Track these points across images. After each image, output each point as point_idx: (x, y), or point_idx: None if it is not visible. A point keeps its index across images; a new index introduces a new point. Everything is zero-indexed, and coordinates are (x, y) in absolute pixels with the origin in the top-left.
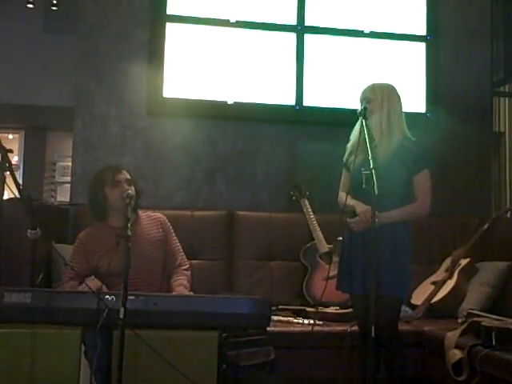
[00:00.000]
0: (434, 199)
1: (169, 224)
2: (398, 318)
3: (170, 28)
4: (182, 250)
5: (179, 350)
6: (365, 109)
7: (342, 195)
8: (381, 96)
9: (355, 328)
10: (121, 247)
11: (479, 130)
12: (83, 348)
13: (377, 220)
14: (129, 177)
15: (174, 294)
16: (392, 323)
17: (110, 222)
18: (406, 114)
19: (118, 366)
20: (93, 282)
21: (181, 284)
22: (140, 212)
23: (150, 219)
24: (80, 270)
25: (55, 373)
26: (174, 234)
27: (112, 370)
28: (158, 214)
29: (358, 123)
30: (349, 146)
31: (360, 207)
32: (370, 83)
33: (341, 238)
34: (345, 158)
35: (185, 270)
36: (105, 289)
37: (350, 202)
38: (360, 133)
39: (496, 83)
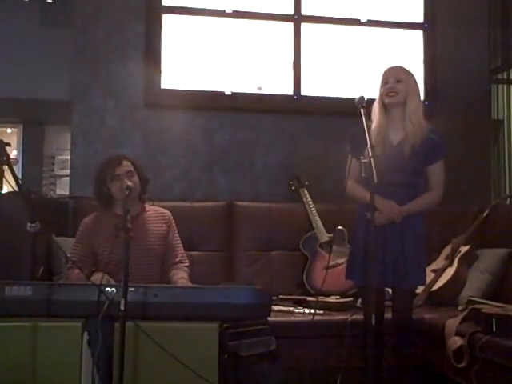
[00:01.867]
0: None
1: (173, 221)
2: (411, 305)
3: (167, 19)
4: (182, 248)
5: (180, 340)
6: (362, 98)
7: (355, 187)
8: (414, 81)
9: (356, 317)
10: (121, 238)
11: (477, 118)
12: (87, 337)
13: (400, 213)
14: (130, 168)
15: (174, 285)
16: (406, 311)
17: (116, 210)
18: None
19: (120, 357)
20: (96, 276)
21: (183, 277)
22: (147, 205)
23: (156, 213)
24: (82, 256)
25: (57, 365)
26: (176, 232)
27: (114, 361)
28: (165, 210)
29: (377, 111)
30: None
31: (380, 202)
32: (397, 64)
33: (340, 227)
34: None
35: (185, 266)
36: (109, 279)
37: (360, 193)
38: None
39: (494, 70)
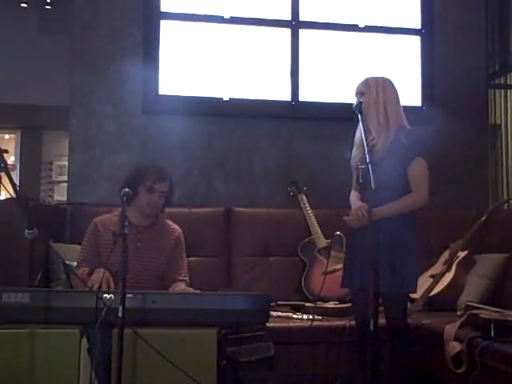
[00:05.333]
0: (431, 191)
1: (182, 239)
2: (404, 311)
3: (165, 25)
4: (186, 268)
5: (178, 347)
6: (360, 103)
7: (351, 194)
8: (375, 89)
9: (354, 323)
10: (119, 245)
11: (475, 123)
12: (85, 344)
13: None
14: (166, 189)
15: (172, 291)
16: (398, 318)
17: (128, 214)
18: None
19: (118, 364)
20: (99, 274)
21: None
22: (161, 217)
23: (166, 228)
24: (89, 254)
25: (55, 372)
26: (184, 250)
27: (112, 367)
28: (176, 227)
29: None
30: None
31: (354, 205)
32: (364, 77)
33: (339, 233)
34: (352, 156)
35: (187, 285)
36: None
37: (352, 199)
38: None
39: (492, 75)
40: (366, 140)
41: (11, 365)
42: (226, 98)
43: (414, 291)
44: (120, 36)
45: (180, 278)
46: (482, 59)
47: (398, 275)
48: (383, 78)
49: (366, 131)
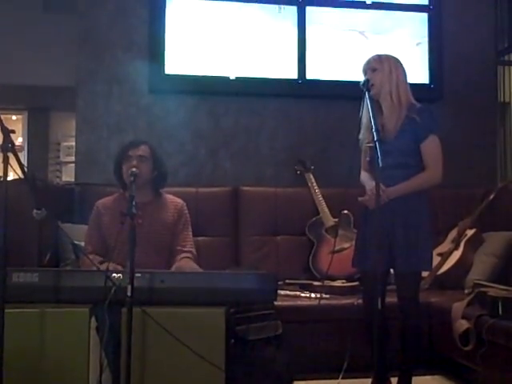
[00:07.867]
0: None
1: (186, 211)
2: (417, 290)
3: (170, 3)
4: (192, 241)
5: (187, 325)
6: (367, 80)
7: (362, 175)
8: (388, 66)
9: (362, 301)
10: (126, 224)
11: (484, 100)
12: (95, 324)
13: (385, 195)
14: (145, 153)
15: (180, 271)
16: (411, 296)
17: (127, 194)
18: (410, 85)
19: (127, 342)
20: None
21: (188, 263)
22: (162, 193)
23: (168, 202)
24: (95, 240)
25: (65, 351)
26: (188, 223)
27: (121, 346)
28: (179, 200)
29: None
30: (360, 122)
31: (369, 185)
32: (374, 54)
33: (346, 212)
34: (360, 136)
35: (193, 257)
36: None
37: (364, 179)
38: (363, 106)
39: (501, 52)
40: (374, 118)
41: (21, 344)
42: (232, 77)
43: (430, 269)
44: (125, 14)
45: (185, 249)
46: (490, 35)
47: (413, 254)
48: (394, 56)
49: (374, 109)
